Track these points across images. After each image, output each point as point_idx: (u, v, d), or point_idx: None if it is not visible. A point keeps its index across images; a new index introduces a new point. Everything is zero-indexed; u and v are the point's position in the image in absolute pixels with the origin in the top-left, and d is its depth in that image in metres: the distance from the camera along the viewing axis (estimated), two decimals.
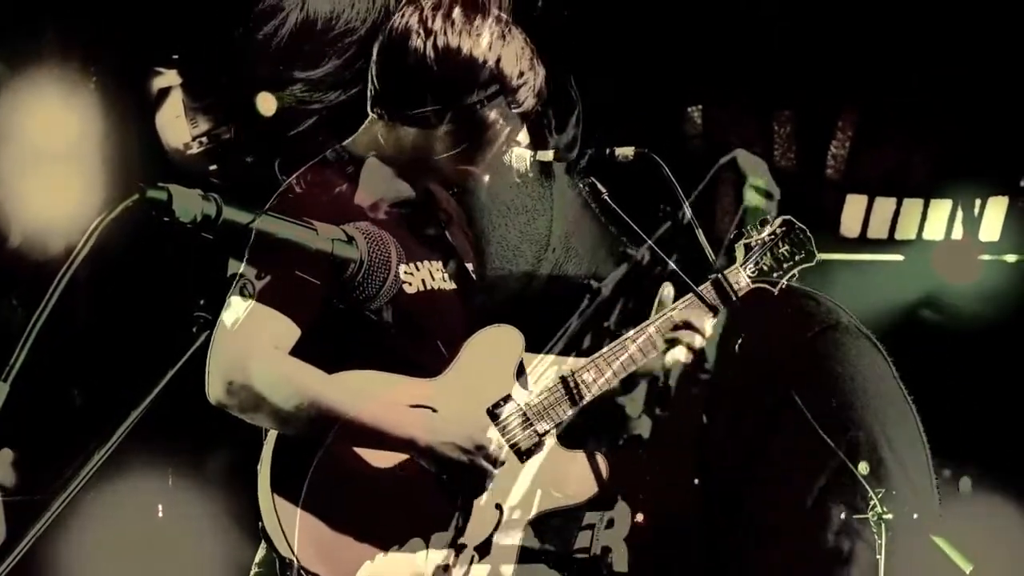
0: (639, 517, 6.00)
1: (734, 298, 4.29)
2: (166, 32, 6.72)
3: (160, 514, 6.57)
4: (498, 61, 3.89)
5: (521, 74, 3.93)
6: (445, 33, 3.86)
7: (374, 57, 4.00)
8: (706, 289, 4.26)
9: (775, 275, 4.42)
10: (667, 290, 4.26)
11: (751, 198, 4.64)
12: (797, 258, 4.44)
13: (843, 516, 5.92)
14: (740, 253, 4.40)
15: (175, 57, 6.82)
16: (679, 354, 4.17)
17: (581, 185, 4.32)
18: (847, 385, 5.94)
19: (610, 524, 5.90)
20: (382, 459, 3.77)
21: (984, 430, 6.93)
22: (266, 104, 6.68)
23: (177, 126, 6.73)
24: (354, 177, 3.92)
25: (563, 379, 4.07)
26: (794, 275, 4.46)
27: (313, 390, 3.67)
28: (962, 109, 6.98)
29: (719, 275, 4.29)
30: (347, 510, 3.70)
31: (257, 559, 3.93)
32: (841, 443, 5.68)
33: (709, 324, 4.21)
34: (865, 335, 5.58)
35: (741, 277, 4.33)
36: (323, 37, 6.01)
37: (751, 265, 4.37)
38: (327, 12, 5.48)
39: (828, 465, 5.95)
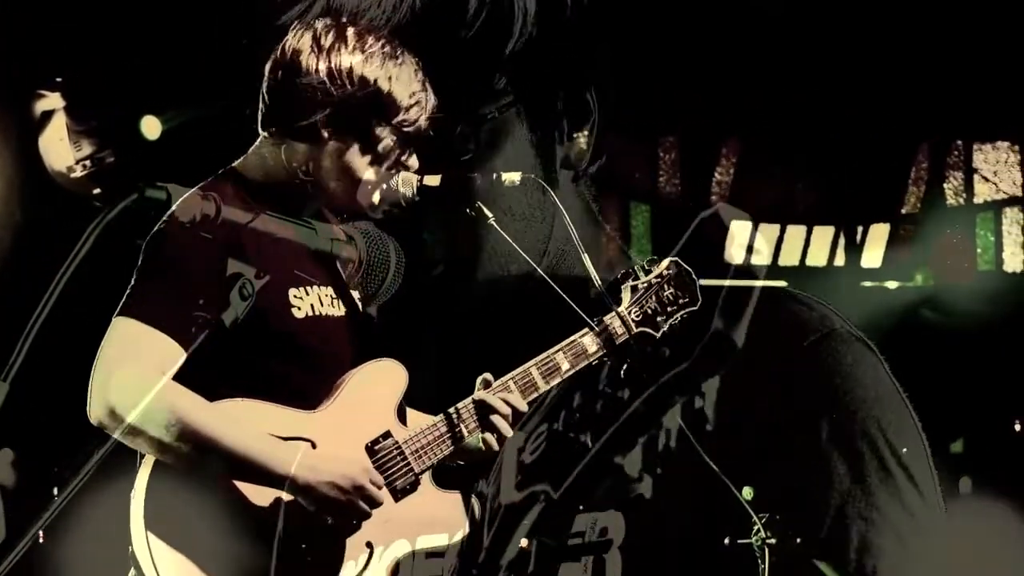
0: (523, 543, 5.97)
1: (614, 345, 4.24)
2: (50, 54, 6.65)
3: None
4: (389, 80, 3.95)
5: (412, 94, 3.99)
6: (339, 51, 3.93)
7: (266, 75, 4.02)
8: (588, 336, 4.21)
9: (659, 319, 4.32)
10: (486, 377, 4.17)
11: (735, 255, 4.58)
12: (681, 301, 4.36)
13: (864, 534, 5.80)
14: (626, 296, 4.31)
15: (58, 80, 6.76)
16: (490, 440, 4.12)
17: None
18: (847, 397, 5.85)
19: (603, 533, 5.85)
20: (259, 494, 3.74)
21: (983, 430, 7.04)
22: (150, 128, 6.63)
23: (60, 149, 6.66)
24: (243, 200, 3.88)
25: (447, 415, 4.04)
26: (677, 320, 4.37)
27: (194, 419, 3.63)
28: (844, 136, 7.07)
29: (600, 320, 4.23)
30: (219, 546, 3.67)
31: None
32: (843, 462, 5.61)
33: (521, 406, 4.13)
34: (858, 338, 5.52)
35: (621, 323, 4.26)
36: None
37: (635, 308, 4.29)
38: (353, 5, 5.36)
39: (840, 484, 5.84)
